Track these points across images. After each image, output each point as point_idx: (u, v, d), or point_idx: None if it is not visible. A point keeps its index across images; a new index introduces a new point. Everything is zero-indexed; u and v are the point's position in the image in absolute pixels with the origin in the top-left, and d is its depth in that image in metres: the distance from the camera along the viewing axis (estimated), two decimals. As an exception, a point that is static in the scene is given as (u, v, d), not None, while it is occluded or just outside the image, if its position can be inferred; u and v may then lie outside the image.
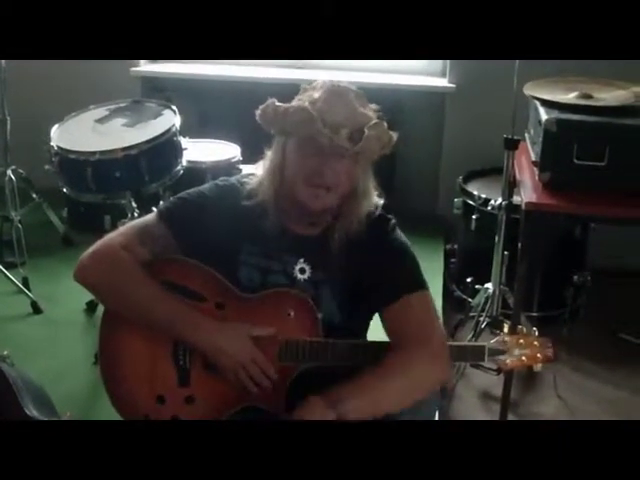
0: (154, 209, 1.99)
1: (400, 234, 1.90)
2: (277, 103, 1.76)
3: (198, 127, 3.85)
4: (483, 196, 3.27)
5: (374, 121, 1.74)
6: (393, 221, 1.91)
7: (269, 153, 1.84)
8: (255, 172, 1.89)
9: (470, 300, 3.21)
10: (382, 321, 1.85)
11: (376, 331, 1.89)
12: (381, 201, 1.89)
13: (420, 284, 1.84)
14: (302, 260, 1.86)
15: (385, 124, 1.75)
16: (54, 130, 2.97)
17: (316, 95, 1.75)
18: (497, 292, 2.97)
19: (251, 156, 1.92)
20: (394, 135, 1.77)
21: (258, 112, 1.78)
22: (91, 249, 1.85)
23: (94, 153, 2.78)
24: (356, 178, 1.79)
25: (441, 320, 2.99)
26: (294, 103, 1.77)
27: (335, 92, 1.74)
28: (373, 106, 1.80)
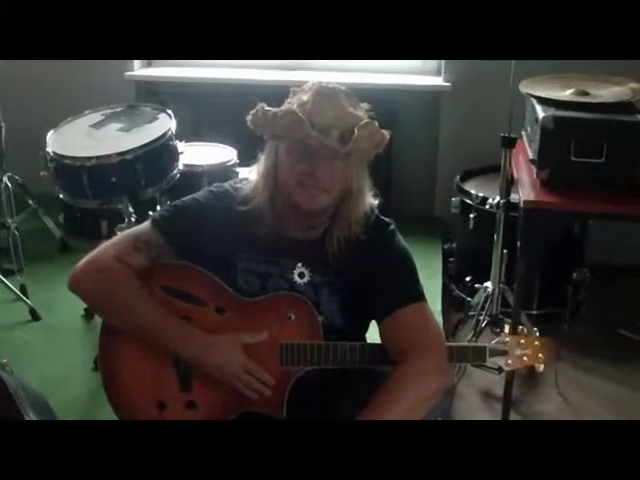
0: (151, 214, 1.98)
1: (400, 240, 1.88)
2: (266, 108, 1.75)
3: (194, 130, 3.84)
4: (481, 195, 3.26)
5: (364, 121, 1.72)
6: (392, 226, 1.89)
7: (262, 157, 1.83)
8: (248, 177, 1.88)
9: (470, 299, 3.20)
10: (379, 330, 1.84)
11: (376, 332, 1.88)
12: (376, 201, 1.88)
13: (418, 295, 1.83)
14: (300, 264, 1.85)
15: (376, 123, 1.73)
16: (49, 136, 2.96)
17: (305, 97, 1.74)
18: (496, 291, 2.96)
19: (248, 159, 1.91)
20: (387, 134, 1.75)
21: (248, 117, 1.77)
22: (85, 259, 1.84)
23: (90, 158, 2.77)
24: (350, 179, 1.78)
25: (441, 321, 3.02)
26: (283, 107, 1.76)
27: (324, 93, 1.73)
28: (365, 105, 1.78)
